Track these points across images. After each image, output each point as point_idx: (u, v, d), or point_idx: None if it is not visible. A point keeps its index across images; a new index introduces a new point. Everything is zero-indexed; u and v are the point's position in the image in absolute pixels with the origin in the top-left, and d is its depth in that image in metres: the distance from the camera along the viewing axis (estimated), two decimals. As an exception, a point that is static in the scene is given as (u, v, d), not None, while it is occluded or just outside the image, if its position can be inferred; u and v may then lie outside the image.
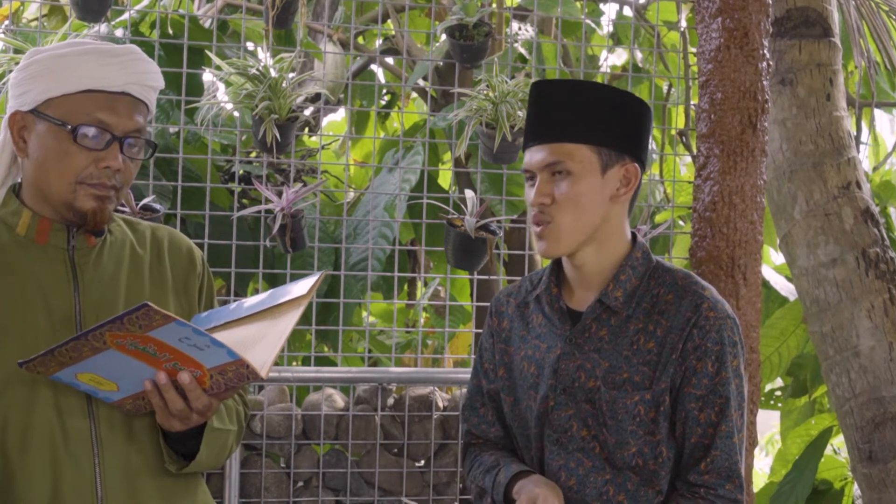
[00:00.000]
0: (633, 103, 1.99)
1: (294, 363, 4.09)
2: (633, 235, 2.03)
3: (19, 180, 1.87)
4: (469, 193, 3.18)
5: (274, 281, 3.85)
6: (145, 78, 1.82)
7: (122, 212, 2.66)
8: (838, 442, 4.70)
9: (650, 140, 2.06)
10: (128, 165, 1.81)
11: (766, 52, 3.04)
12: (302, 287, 1.78)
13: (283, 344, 1.71)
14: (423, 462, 3.40)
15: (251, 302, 1.82)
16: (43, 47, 1.85)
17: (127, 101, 1.80)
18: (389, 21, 4.56)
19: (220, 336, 1.69)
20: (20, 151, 1.82)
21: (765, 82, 3.03)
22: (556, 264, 2.06)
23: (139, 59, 1.82)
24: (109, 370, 1.67)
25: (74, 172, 1.77)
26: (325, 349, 4.27)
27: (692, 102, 3.78)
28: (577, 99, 1.95)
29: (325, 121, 5.80)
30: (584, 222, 1.94)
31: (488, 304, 2.20)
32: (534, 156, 1.97)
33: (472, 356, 3.79)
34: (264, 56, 3.69)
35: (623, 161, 1.96)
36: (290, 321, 1.73)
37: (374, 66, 5.00)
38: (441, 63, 4.00)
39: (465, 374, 3.37)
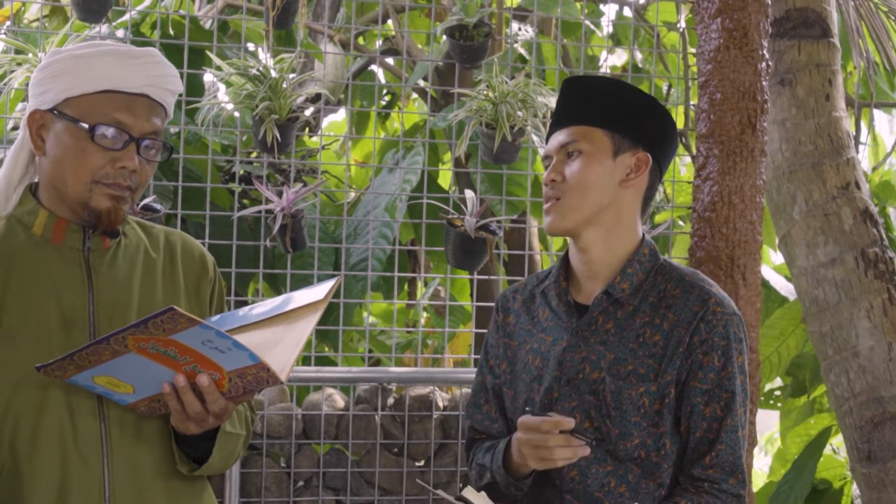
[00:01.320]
0: (658, 109, 2.07)
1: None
2: (643, 235, 2.07)
3: (36, 180, 1.88)
4: (469, 193, 3.19)
5: (274, 281, 3.85)
6: (164, 81, 1.83)
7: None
8: (837, 441, 4.70)
9: (673, 149, 2.12)
10: (143, 167, 1.82)
11: (765, 52, 3.05)
12: (318, 292, 1.78)
13: (302, 348, 1.71)
14: (423, 462, 3.41)
15: (265, 307, 1.81)
16: (63, 47, 1.87)
17: (145, 102, 1.81)
18: (389, 21, 4.57)
19: (238, 339, 1.69)
20: (38, 150, 1.83)
21: (764, 83, 3.03)
22: (565, 259, 2.09)
23: (158, 61, 1.83)
24: (127, 373, 1.67)
25: (91, 171, 1.78)
26: (326, 349, 4.28)
27: (692, 103, 3.78)
28: (601, 90, 2.05)
29: (326, 121, 5.81)
30: (590, 201, 1.99)
31: (488, 304, 2.22)
32: (553, 140, 2.05)
33: (473, 356, 3.79)
34: (265, 56, 3.70)
35: (636, 150, 2.02)
36: (307, 325, 1.73)
37: (374, 67, 5.01)
38: (441, 63, 4.01)
39: (465, 373, 3.38)
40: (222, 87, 3.50)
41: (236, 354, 1.61)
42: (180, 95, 3.22)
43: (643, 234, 2.07)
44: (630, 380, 1.95)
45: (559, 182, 2.00)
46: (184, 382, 1.67)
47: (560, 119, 2.06)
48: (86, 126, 1.77)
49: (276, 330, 1.75)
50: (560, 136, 2.03)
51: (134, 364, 1.64)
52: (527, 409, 1.95)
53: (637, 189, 2.04)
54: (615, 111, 2.02)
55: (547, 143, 2.08)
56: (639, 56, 5.09)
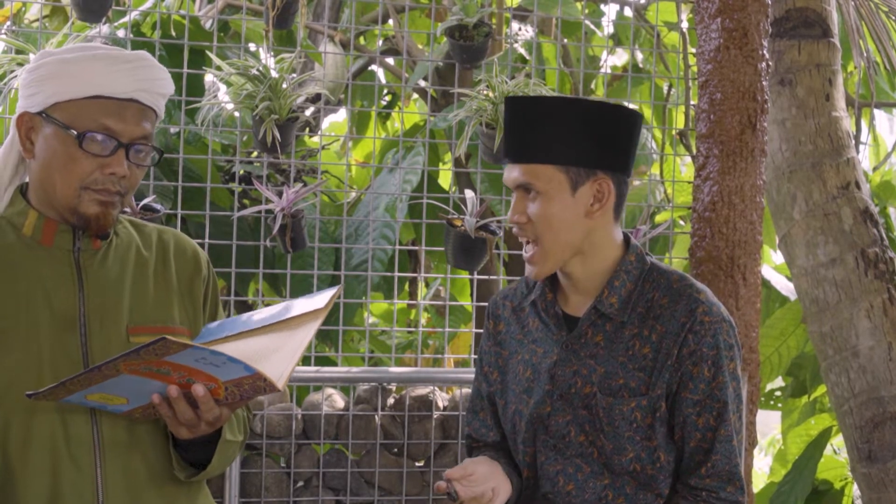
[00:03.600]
0: (609, 115, 1.95)
1: (294, 363, 4.09)
2: (627, 238, 2.02)
3: (26, 180, 1.87)
4: (469, 193, 3.19)
5: (274, 281, 3.85)
6: (155, 85, 1.81)
7: (124, 212, 2.66)
8: (838, 442, 4.71)
9: (634, 146, 2.00)
10: (133, 171, 1.80)
11: (765, 52, 3.05)
12: (319, 300, 1.78)
13: (300, 356, 1.69)
14: (422, 462, 3.41)
15: (265, 314, 1.80)
16: (53, 49, 1.84)
17: (135, 107, 1.79)
18: (390, 21, 4.57)
19: (235, 346, 1.67)
20: (27, 152, 1.81)
21: (764, 83, 3.03)
22: None
23: (149, 65, 1.81)
24: (120, 389, 1.66)
25: (80, 178, 1.76)
26: (326, 349, 4.28)
27: (692, 102, 3.78)
28: (545, 118, 1.93)
29: (326, 121, 5.81)
30: (564, 241, 1.94)
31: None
32: (509, 173, 1.97)
33: (473, 356, 3.79)
34: (265, 56, 3.70)
35: (595, 177, 1.93)
36: (307, 333, 1.72)
37: (374, 67, 5.01)
38: (441, 63, 4.01)
39: (465, 373, 3.38)
40: (222, 87, 3.50)
41: (231, 367, 1.60)
42: (180, 95, 3.25)
43: (626, 237, 2.02)
44: (621, 395, 1.93)
45: (525, 223, 1.94)
46: (176, 393, 1.66)
47: (509, 151, 1.97)
48: (74, 132, 1.75)
49: (276, 336, 1.74)
50: (514, 173, 1.95)
51: (127, 382, 1.64)
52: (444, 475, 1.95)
53: (605, 211, 1.96)
54: (563, 141, 1.91)
55: (504, 157, 1.99)
56: (639, 56, 5.09)
